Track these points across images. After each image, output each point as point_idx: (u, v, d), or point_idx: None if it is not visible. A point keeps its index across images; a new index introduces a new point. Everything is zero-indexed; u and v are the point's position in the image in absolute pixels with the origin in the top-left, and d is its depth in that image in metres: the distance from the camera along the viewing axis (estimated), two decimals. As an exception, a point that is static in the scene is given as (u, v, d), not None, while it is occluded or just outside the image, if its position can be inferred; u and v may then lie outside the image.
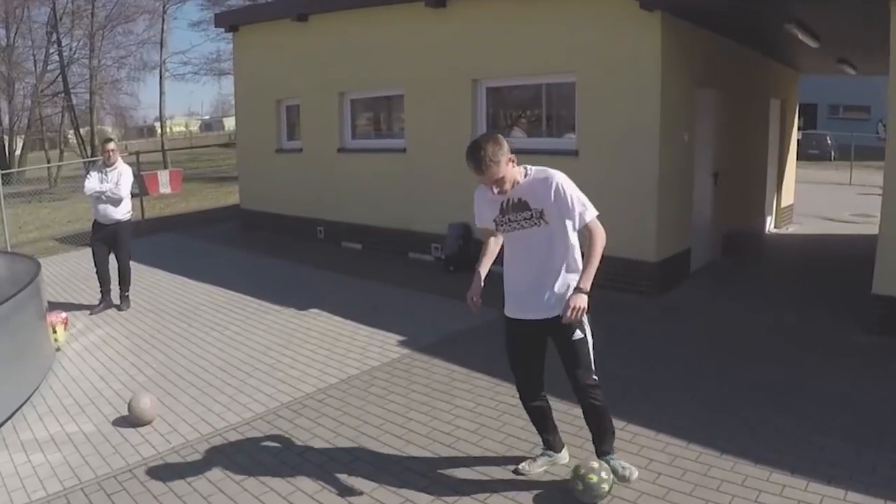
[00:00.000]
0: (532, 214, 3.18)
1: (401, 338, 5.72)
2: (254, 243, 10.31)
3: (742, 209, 9.52)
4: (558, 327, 3.16)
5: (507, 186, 3.15)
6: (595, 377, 3.26)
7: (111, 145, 6.78)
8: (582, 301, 3.08)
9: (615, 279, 6.79)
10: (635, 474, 3.39)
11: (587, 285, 3.11)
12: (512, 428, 4.00)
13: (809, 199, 13.75)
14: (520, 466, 3.52)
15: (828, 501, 3.15)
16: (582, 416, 3.42)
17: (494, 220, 3.30)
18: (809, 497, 3.19)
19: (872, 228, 11.78)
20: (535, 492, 3.35)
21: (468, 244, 8.03)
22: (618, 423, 3.94)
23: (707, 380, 4.70)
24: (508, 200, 3.22)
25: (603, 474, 3.15)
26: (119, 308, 6.82)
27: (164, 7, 26.91)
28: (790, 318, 6.13)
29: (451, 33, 8.04)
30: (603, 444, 3.40)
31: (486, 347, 5.38)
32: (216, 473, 3.61)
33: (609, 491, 3.17)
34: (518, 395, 3.53)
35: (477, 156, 3.07)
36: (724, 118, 8.30)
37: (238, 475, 3.58)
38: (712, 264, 8.36)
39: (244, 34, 11.20)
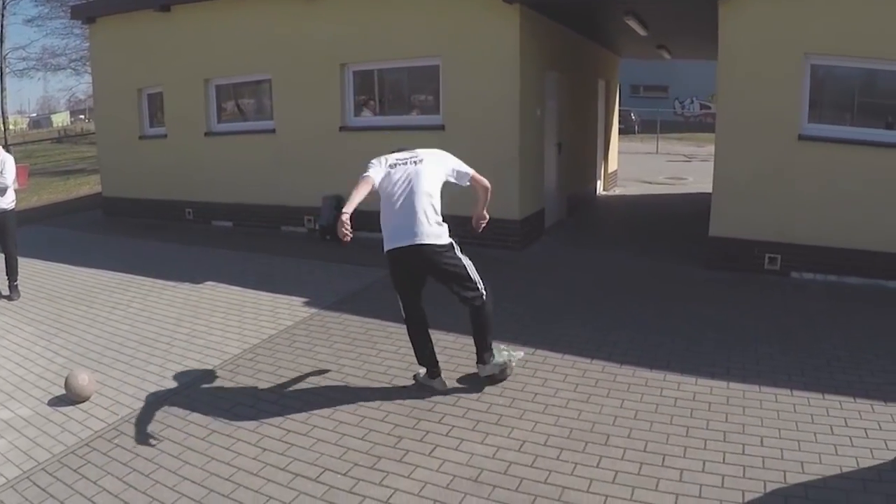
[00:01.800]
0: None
1: (304, 299, 6.12)
2: (124, 228, 10.20)
3: (579, 174, 10.87)
4: (437, 256, 4.11)
5: None
6: None
7: None
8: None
9: (486, 236, 7.65)
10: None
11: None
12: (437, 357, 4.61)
13: (626, 166, 15.71)
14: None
15: (716, 389, 4.14)
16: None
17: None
18: (700, 388, 4.17)
19: (684, 188, 14.10)
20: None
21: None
22: (527, 349, 4.80)
23: (591, 311, 5.65)
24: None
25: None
26: (10, 298, 6.49)
27: (2, 3, 24.06)
28: (642, 261, 7.38)
29: (319, 20, 8.41)
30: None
31: (388, 300, 5.90)
32: (177, 433, 3.78)
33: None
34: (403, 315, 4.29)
35: None
36: (564, 97, 9.45)
37: (201, 431, 3.80)
38: (560, 222, 9.58)
39: (102, 25, 10.79)
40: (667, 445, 3.57)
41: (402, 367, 4.60)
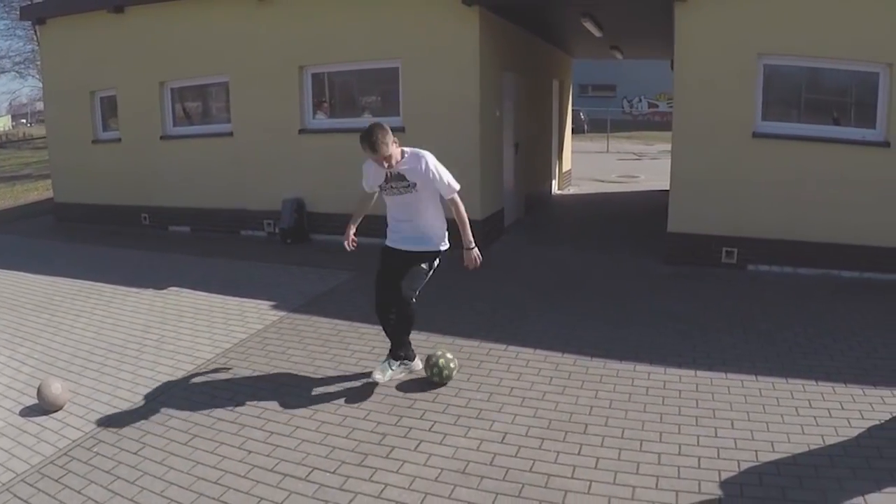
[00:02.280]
0: (408, 184, 4.18)
1: (271, 303, 6.08)
2: (78, 234, 9.90)
3: (536, 174, 11.07)
4: (414, 258, 4.29)
5: (393, 162, 4.08)
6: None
7: None
8: (473, 256, 4.41)
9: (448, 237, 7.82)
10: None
11: (469, 241, 4.37)
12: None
13: (579, 165, 16.05)
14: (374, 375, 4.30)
15: (685, 378, 4.32)
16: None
17: (380, 186, 4.27)
18: (669, 377, 4.34)
19: (637, 186, 14.48)
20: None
21: (302, 217, 8.56)
22: (499, 346, 4.92)
23: (557, 306, 5.79)
24: (390, 173, 4.16)
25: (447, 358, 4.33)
26: None
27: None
28: (603, 258, 7.58)
29: (277, 22, 8.36)
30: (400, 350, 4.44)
31: (355, 302, 6.02)
32: (158, 439, 3.71)
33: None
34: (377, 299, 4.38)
35: (372, 140, 3.96)
36: (521, 97, 9.62)
37: (182, 436, 3.75)
38: (518, 221, 9.74)
39: (53, 27, 10.42)
40: (643, 432, 3.71)
41: (375, 364, 4.62)
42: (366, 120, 8.40)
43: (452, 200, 4.28)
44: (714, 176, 6.57)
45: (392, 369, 4.35)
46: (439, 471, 3.37)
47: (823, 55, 6.05)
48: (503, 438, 3.66)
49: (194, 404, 4.15)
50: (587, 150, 22.21)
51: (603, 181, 14.95)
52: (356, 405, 4.09)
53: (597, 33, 8.77)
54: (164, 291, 6.51)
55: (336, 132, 8.35)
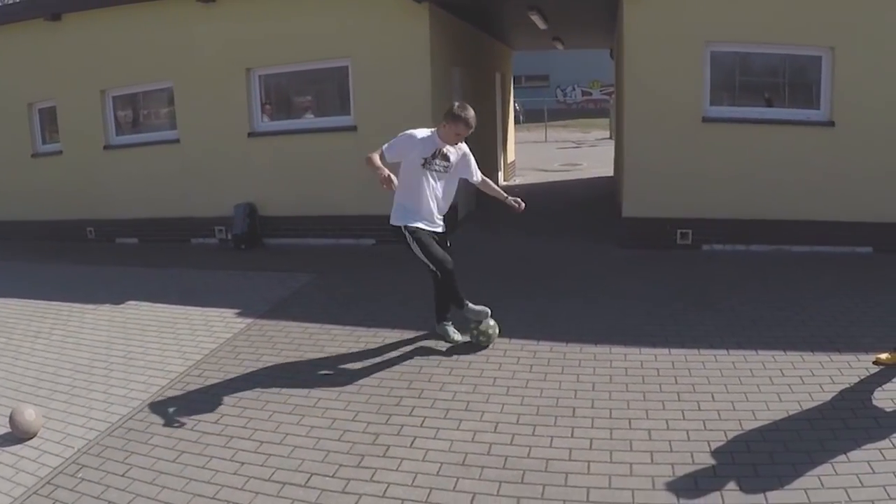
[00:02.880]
0: (449, 166, 4.62)
1: (235, 311, 5.93)
2: (21, 251, 9.42)
3: (484, 166, 11.14)
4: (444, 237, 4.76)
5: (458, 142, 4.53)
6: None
7: None
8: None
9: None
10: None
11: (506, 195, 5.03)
12: (389, 356, 4.72)
13: (520, 156, 16.25)
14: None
15: (660, 357, 4.46)
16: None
17: (424, 158, 4.50)
18: (645, 357, 4.47)
19: (580, 174, 14.78)
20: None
21: (255, 222, 8.39)
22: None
23: (524, 298, 5.85)
24: (439, 151, 4.54)
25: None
26: None
27: None
28: (560, 246, 7.73)
29: (221, 24, 8.12)
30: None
31: (321, 303, 5.98)
32: (145, 459, 3.57)
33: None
34: (442, 273, 4.58)
35: (471, 117, 4.41)
36: (468, 91, 9.66)
37: (169, 453, 3.61)
38: (470, 214, 9.81)
39: None
40: (629, 410, 3.82)
41: (357, 367, 4.60)
42: (317, 121, 8.31)
43: (482, 181, 4.97)
44: (666, 161, 6.79)
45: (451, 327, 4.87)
46: (439, 465, 3.38)
47: (768, 41, 6.34)
48: (496, 428, 3.71)
49: (176, 420, 4.02)
50: (525, 140, 22.53)
51: (546, 170, 15.20)
52: (342, 406, 4.05)
53: (542, 25, 8.91)
54: (122, 306, 6.27)
55: (286, 134, 8.23)
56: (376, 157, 4.44)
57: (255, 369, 4.68)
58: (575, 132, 25.46)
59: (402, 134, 4.55)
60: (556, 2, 7.88)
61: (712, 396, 3.92)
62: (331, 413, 3.98)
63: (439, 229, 4.69)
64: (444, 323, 4.95)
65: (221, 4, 8.02)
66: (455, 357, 4.68)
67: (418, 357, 4.71)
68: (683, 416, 3.72)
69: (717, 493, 3.02)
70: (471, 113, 4.38)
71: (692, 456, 3.33)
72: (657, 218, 7.00)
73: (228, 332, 5.44)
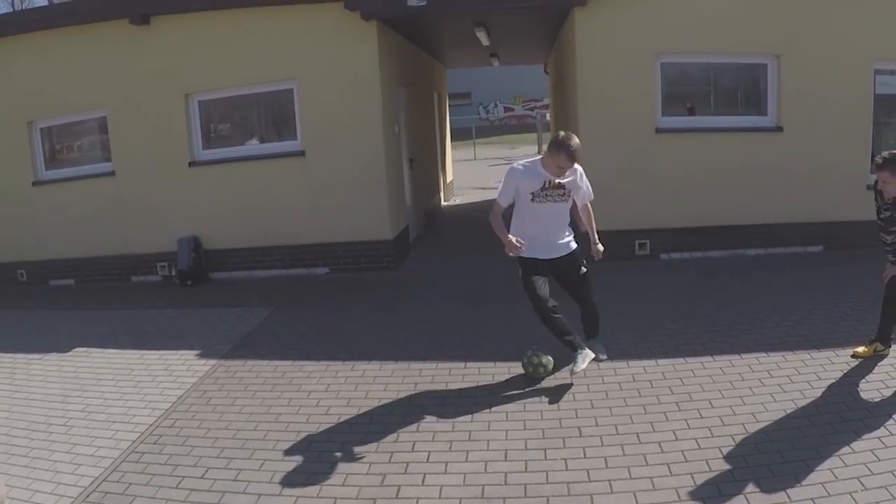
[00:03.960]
0: (564, 193, 4.34)
1: (195, 352, 5.59)
2: None
3: (428, 187, 11.12)
4: (568, 264, 4.49)
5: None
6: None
7: None
8: (600, 249, 4.62)
9: (358, 261, 7.67)
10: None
11: (596, 237, 4.65)
12: (373, 391, 4.54)
13: (454, 175, 16.33)
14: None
15: (649, 368, 4.52)
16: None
17: (532, 193, 4.29)
18: (635, 369, 4.53)
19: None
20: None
21: (200, 256, 8.00)
22: (457, 364, 4.88)
23: (495, 319, 5.80)
24: (550, 182, 4.26)
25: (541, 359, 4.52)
26: None
27: None
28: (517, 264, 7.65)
29: (159, 48, 7.72)
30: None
31: (287, 339, 5.75)
32: None
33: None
34: (536, 311, 4.43)
35: (576, 150, 4.10)
36: (413, 111, 9.63)
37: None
38: (420, 237, 9.73)
39: None
40: (634, 425, 3.81)
41: (341, 404, 4.40)
42: (263, 147, 8.01)
43: (588, 205, 4.59)
44: (622, 173, 6.93)
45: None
46: (458, 500, 3.25)
47: (717, 50, 6.61)
48: (506, 456, 3.61)
49: (156, 478, 3.69)
50: (455, 158, 22.63)
51: (485, 188, 15.29)
52: (338, 449, 3.83)
53: (485, 42, 8.97)
54: (70, 353, 5.77)
55: (230, 162, 7.89)
56: (497, 215, 4.34)
57: (231, 415, 4.38)
58: (502, 148, 25.83)
59: (507, 172, 4.37)
60: (501, 17, 7.96)
61: (710, 403, 3.97)
62: (327, 456, 3.76)
63: (563, 252, 4.48)
64: (588, 343, 4.58)
65: (157, 27, 7.63)
66: (444, 384, 4.56)
67: (404, 388, 4.55)
68: (688, 425, 3.74)
69: (742, 497, 3.06)
70: (575, 142, 4.10)
71: (707, 464, 3.35)
72: (615, 230, 7.09)
73: (193, 376, 5.10)
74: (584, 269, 4.53)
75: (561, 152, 4.09)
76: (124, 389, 4.94)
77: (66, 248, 8.50)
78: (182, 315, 6.74)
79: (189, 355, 5.53)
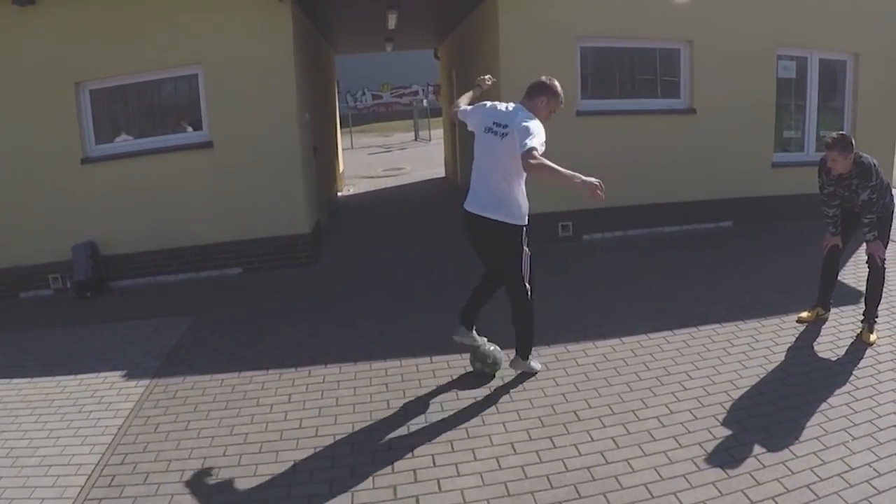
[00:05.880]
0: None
1: (121, 373, 4.96)
2: None
3: (328, 178, 10.74)
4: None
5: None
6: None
7: None
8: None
9: (274, 258, 7.27)
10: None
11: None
12: (342, 396, 4.27)
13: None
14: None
15: (617, 346, 4.64)
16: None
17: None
18: (604, 349, 4.63)
19: (410, 178, 14.78)
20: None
21: (99, 262, 7.18)
22: (423, 360, 4.74)
23: (439, 311, 5.60)
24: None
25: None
26: None
27: None
28: (439, 254, 7.60)
29: (43, 32, 6.71)
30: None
31: (221, 348, 5.31)
32: None
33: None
34: (532, 300, 4.28)
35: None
36: (315, 97, 9.20)
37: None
38: (327, 229, 9.37)
39: None
40: (626, 403, 3.91)
41: (312, 415, 4.08)
42: (165, 139, 7.28)
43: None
44: (543, 156, 6.99)
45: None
46: (485, 502, 3.14)
47: (634, 35, 6.86)
48: (514, 449, 3.55)
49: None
50: (333, 147, 22.10)
51: (374, 177, 15.04)
52: (330, 465, 3.52)
53: (392, 25, 8.71)
54: (-34, 392, 4.93)
55: (128, 157, 7.09)
56: (549, 163, 3.66)
57: (189, 442, 3.89)
58: (376, 136, 25.48)
59: (532, 118, 3.89)
60: (414, 1, 7.77)
61: (688, 375, 4.15)
62: (320, 475, 3.45)
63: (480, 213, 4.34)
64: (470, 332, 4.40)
65: (43, 8, 6.61)
66: (417, 383, 4.40)
67: (375, 390, 4.33)
68: (676, 398, 3.89)
69: (754, 459, 3.24)
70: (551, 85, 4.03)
71: (710, 432, 3.51)
72: (538, 213, 7.17)
73: (127, 400, 4.52)
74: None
75: (557, 97, 4.15)
76: (50, 426, 4.28)
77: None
78: (91, 332, 5.93)
79: (114, 377, 4.90)
